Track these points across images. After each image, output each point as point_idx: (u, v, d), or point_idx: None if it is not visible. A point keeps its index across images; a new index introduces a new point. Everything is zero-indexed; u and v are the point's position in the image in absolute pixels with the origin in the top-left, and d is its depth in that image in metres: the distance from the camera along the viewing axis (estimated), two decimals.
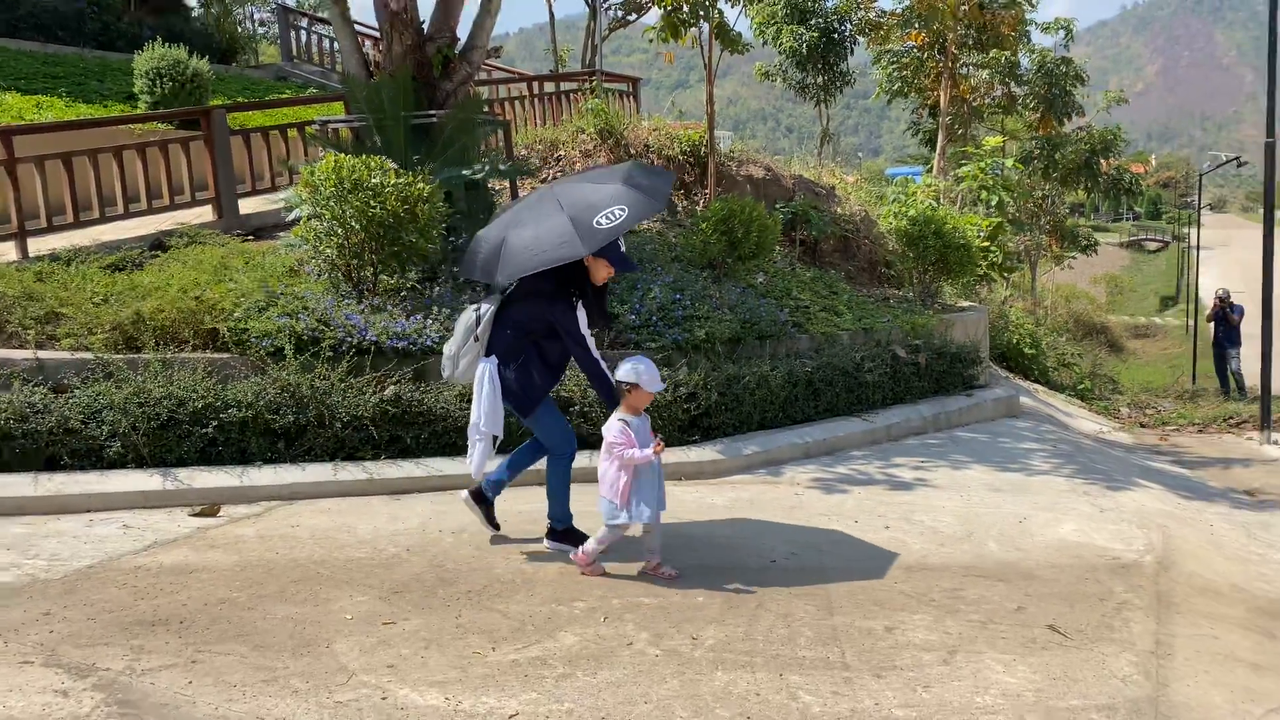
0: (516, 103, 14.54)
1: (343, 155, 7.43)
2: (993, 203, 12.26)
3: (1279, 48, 9.01)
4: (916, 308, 10.38)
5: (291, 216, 8.06)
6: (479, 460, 4.82)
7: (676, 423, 6.80)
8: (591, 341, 4.83)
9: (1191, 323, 45.29)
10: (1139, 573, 4.95)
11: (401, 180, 7.30)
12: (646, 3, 20.53)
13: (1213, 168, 39.00)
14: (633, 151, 12.37)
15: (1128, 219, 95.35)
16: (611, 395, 4.69)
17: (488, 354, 4.77)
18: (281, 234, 9.09)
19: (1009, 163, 12.67)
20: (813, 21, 17.08)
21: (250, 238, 9.58)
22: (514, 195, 9.50)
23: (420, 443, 6.33)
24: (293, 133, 11.29)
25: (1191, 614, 4.50)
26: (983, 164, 12.47)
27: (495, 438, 4.81)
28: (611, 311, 6.94)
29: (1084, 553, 5.23)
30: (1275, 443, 9.36)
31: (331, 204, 7.19)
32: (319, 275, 7.78)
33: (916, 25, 16.53)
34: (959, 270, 11.11)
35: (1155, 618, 4.33)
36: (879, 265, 12.72)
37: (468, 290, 7.72)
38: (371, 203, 7.11)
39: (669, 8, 11.00)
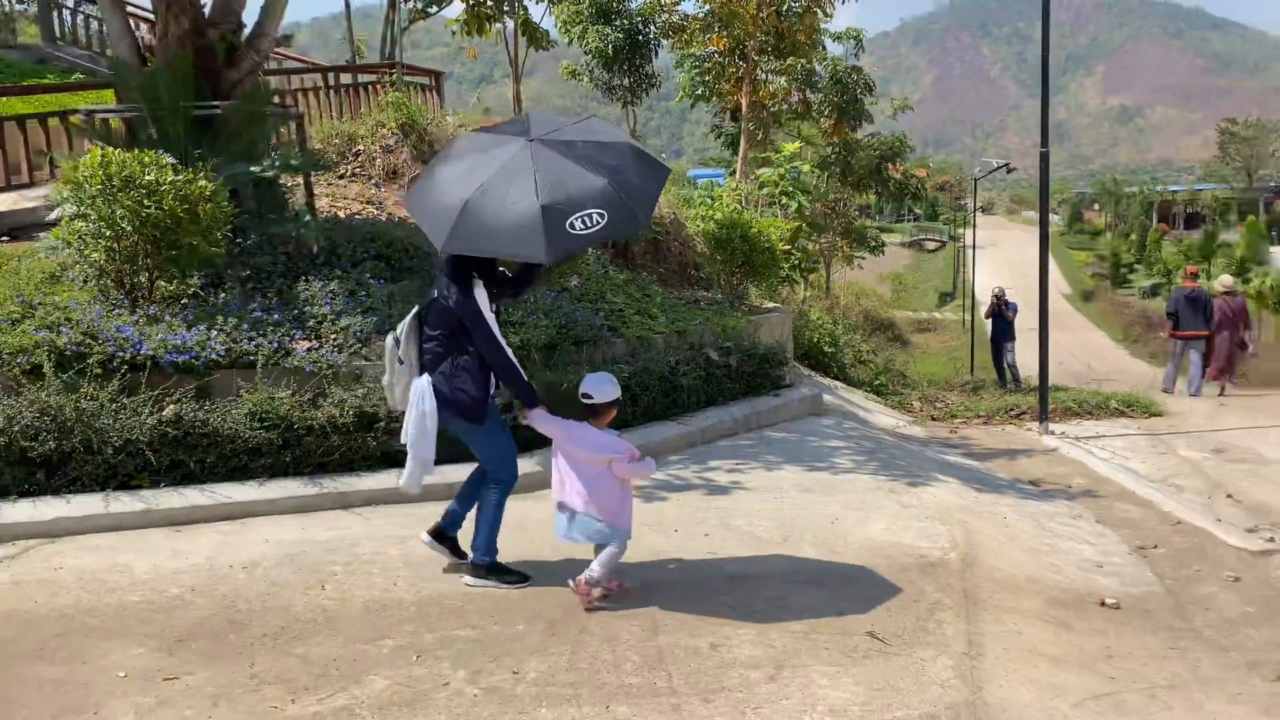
0: (311, 95, 13.76)
1: (111, 149, 6.69)
2: (792, 207, 12.63)
3: (1049, 68, 9.68)
4: (726, 309, 10.52)
5: (53, 216, 7.22)
6: (409, 478, 4.50)
7: None
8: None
9: (968, 317, 48.89)
10: (946, 571, 5.11)
11: (180, 177, 6.66)
12: None
13: (986, 173, 42.22)
14: (436, 148, 11.92)
15: (909, 220, 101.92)
16: (530, 395, 4.41)
17: (420, 372, 4.42)
18: (41, 235, 8.16)
19: (806, 167, 13.12)
20: (618, 22, 17.14)
21: (5, 239, 8.56)
22: (308, 191, 8.89)
23: (206, 467, 5.77)
24: (54, 122, 10.21)
25: (996, 610, 4.68)
26: (782, 169, 12.84)
27: (425, 460, 4.44)
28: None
29: (895, 553, 5.37)
30: (1052, 433, 10.07)
31: (99, 203, 6.47)
32: (85, 282, 7.01)
33: (718, 30, 16.87)
34: (764, 272, 11.36)
35: (965, 617, 4.47)
36: (689, 267, 12.85)
37: (257, 296, 7.14)
38: (145, 202, 6.44)
39: (473, 1, 10.67)
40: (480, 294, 4.33)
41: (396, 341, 4.47)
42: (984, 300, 41.96)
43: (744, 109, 16.22)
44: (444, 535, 4.76)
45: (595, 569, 4.32)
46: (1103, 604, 5.05)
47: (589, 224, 3.93)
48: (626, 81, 17.74)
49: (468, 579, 4.61)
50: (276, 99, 10.11)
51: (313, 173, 9.21)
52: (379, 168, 11.65)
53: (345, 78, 14.93)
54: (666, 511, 5.99)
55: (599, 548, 4.40)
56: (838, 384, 12.79)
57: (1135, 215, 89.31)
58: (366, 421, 6.12)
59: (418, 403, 4.34)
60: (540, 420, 4.42)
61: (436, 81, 16.15)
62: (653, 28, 17.74)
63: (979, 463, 8.98)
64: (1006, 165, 39.98)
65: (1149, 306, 50.83)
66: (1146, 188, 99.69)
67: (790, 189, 12.79)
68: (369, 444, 6.12)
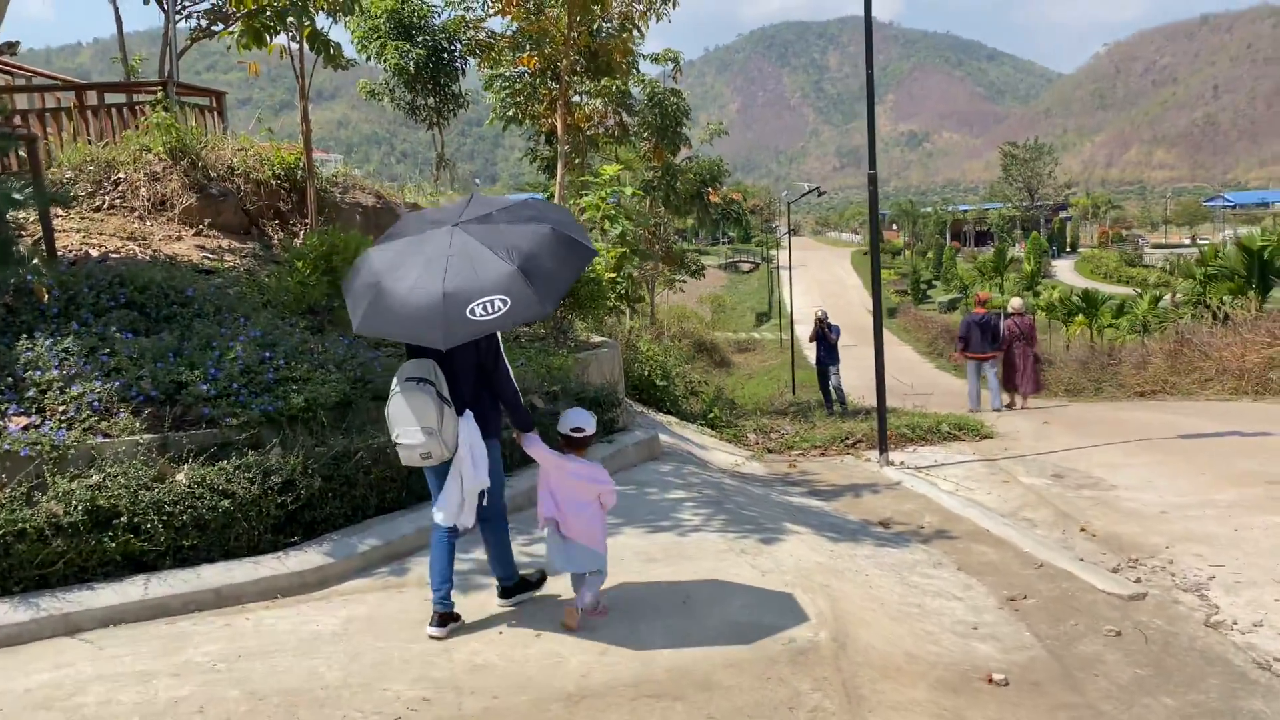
0: (64, 116, 11.95)
1: None
2: (615, 232, 11.93)
3: (874, 94, 9.37)
4: (551, 347, 9.65)
5: None
6: (470, 514, 4.58)
7: (268, 521, 5.36)
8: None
9: (786, 336, 50.08)
10: (819, 659, 4.38)
11: None
12: (234, 13, 18.27)
13: (798, 197, 43.35)
14: (213, 175, 10.50)
15: (724, 243, 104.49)
16: (530, 421, 4.75)
17: (459, 410, 4.48)
18: None
19: (628, 191, 12.48)
20: (419, 39, 16.02)
21: None
22: (46, 228, 7.41)
23: None
24: None
25: (882, 708, 3.97)
26: (603, 193, 12.12)
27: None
28: (184, 381, 5.92)
29: (759, 637, 4.60)
30: (892, 464, 9.70)
31: None
32: None
33: (528, 49, 16.04)
34: (591, 304, 10.58)
35: None
36: None
37: None
38: None
39: (249, 9, 9.38)
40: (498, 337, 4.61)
41: (431, 384, 4.40)
42: (802, 320, 42.90)
43: (559, 131, 15.44)
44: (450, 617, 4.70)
45: (588, 595, 4.68)
46: (990, 680, 4.45)
47: (490, 310, 3.98)
48: (431, 102, 16.62)
49: (502, 602, 4.93)
50: (2, 118, 8.50)
51: (55, 206, 7.73)
52: (143, 198, 10.11)
53: (112, 97, 13.15)
54: (490, 604, 5.02)
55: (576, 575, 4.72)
56: (671, 420, 12.13)
57: (931, 234, 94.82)
58: (102, 518, 4.85)
59: (474, 440, 4.48)
60: (536, 446, 4.68)
61: (218, 102, 14.53)
62: (458, 45, 16.71)
63: (826, 503, 8.44)
64: (816, 189, 41.14)
65: (949, 320, 53.58)
66: (939, 208, 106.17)
67: (613, 213, 12.09)
68: (105, 546, 4.84)
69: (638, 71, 17.77)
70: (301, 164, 10.59)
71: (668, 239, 28.41)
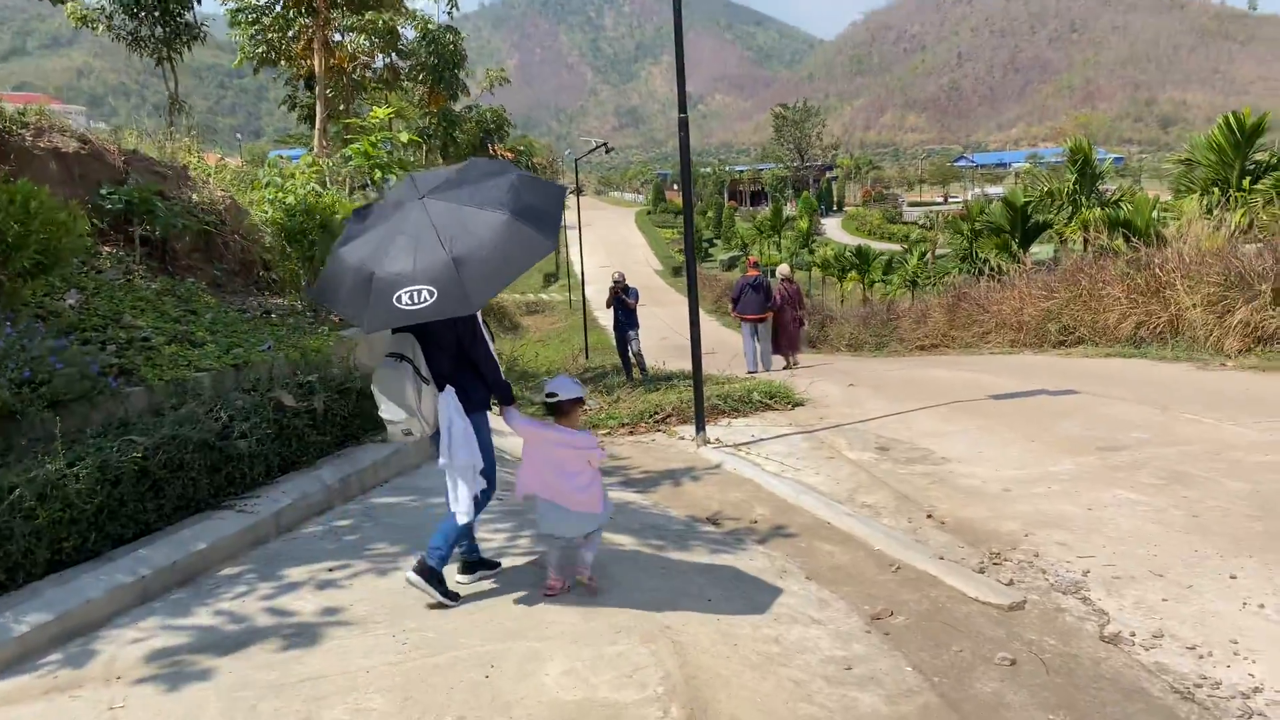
0: None
1: None
2: (389, 185, 10.26)
3: (682, 42, 8.23)
4: (307, 324, 8.00)
5: None
6: (467, 500, 4.41)
7: None
8: None
9: (575, 297, 49.07)
10: None
11: None
12: None
13: (585, 153, 42.12)
14: None
15: None
16: (510, 394, 4.61)
17: (440, 387, 4.32)
18: None
19: (403, 137, 10.80)
20: None
21: None
22: None
23: None
24: None
25: None
26: (373, 139, 10.40)
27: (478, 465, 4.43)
28: None
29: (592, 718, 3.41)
30: (709, 442, 8.76)
31: None
32: None
33: None
34: None
35: None
36: (256, 267, 10.02)
37: None
38: None
39: None
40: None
41: (409, 361, 4.25)
42: (592, 281, 42.01)
43: (318, 71, 13.43)
44: (475, 565, 4.80)
45: (588, 555, 4.62)
46: None
47: (415, 300, 3.82)
48: (159, 32, 14.06)
49: (410, 575, 4.41)
50: None
51: None
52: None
53: None
54: (208, 707, 3.54)
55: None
56: None
57: (710, 194, 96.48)
58: None
59: (454, 417, 4.31)
60: (516, 420, 4.57)
61: None
62: None
63: (642, 496, 7.36)
64: (604, 145, 40.04)
65: (731, 278, 54.41)
66: (718, 168, 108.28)
67: (386, 163, 10.40)
68: None
69: (407, 7, 15.87)
70: None
71: None
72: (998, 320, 18.59)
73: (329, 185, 11.53)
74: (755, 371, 15.63)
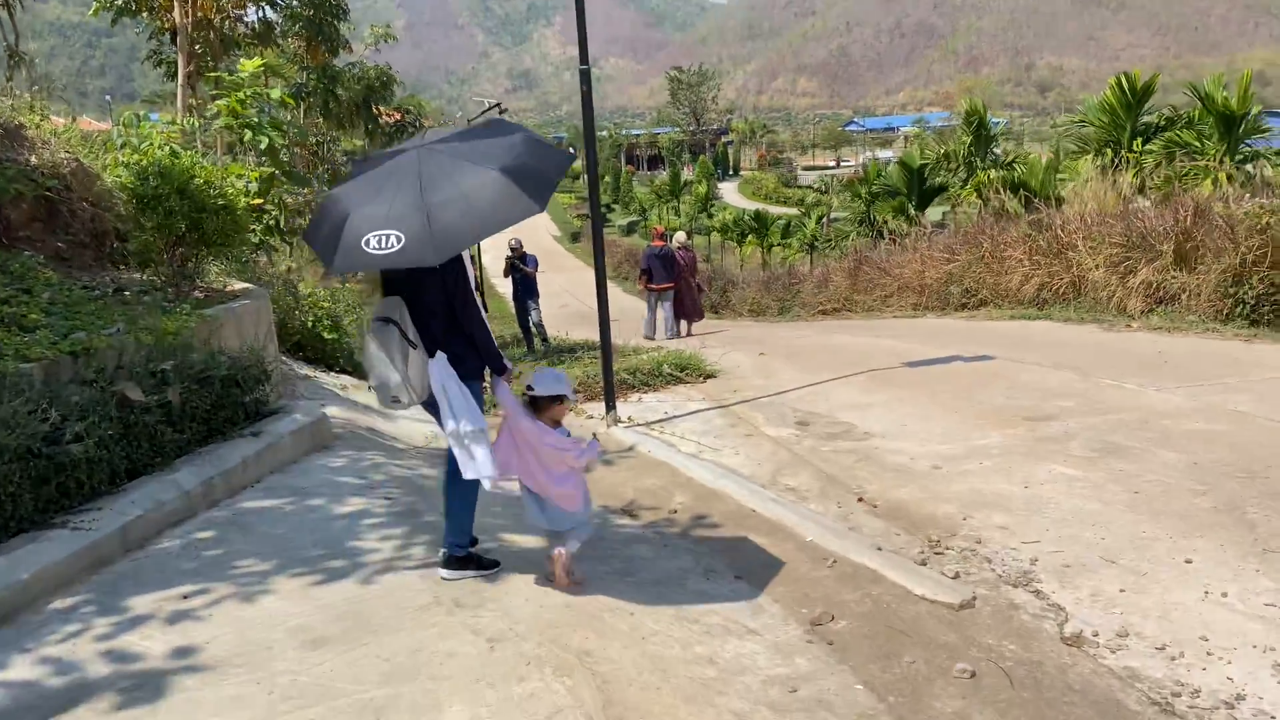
0: None
1: None
2: (261, 145, 9.29)
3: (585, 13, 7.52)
4: (167, 302, 7.09)
5: None
6: (483, 465, 4.12)
7: None
8: None
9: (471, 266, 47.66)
10: None
11: None
12: None
13: (479, 114, 40.70)
14: None
15: None
16: (503, 362, 4.30)
17: (431, 353, 4.09)
18: None
19: (275, 94, 9.81)
20: None
21: None
22: None
23: None
24: None
25: None
26: (242, 95, 9.38)
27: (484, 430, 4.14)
28: None
29: None
30: (620, 422, 8.18)
31: None
32: None
33: None
34: (223, 241, 7.99)
35: None
36: (110, 238, 8.96)
37: None
38: None
39: None
40: (470, 273, 4.24)
41: (396, 325, 4.02)
42: (488, 249, 40.95)
43: (177, 20, 12.21)
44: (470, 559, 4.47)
45: (575, 543, 4.37)
46: None
47: (383, 245, 3.66)
48: None
49: (444, 573, 4.34)
50: None
51: None
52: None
53: None
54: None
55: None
56: (347, 380, 9.86)
57: (607, 158, 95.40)
58: None
59: (446, 381, 4.10)
60: (505, 392, 4.28)
61: None
62: None
63: None
64: (498, 105, 38.76)
65: (630, 243, 53.80)
66: (614, 132, 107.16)
67: (257, 123, 9.41)
68: None
69: None
70: None
71: (335, 160, 25.07)
72: (900, 283, 18.50)
73: (197, 147, 10.45)
74: (651, 337, 15.46)
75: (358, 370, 10.43)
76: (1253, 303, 10.52)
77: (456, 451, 4.18)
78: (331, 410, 7.82)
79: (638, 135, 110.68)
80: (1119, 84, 18.88)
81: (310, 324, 10.18)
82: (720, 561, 5.12)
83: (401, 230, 3.65)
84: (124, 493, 4.90)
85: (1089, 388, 8.06)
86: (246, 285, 8.40)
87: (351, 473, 6.11)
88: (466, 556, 4.45)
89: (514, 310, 16.54)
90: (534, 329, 15.61)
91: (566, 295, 31.28)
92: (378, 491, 5.76)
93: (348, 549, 4.77)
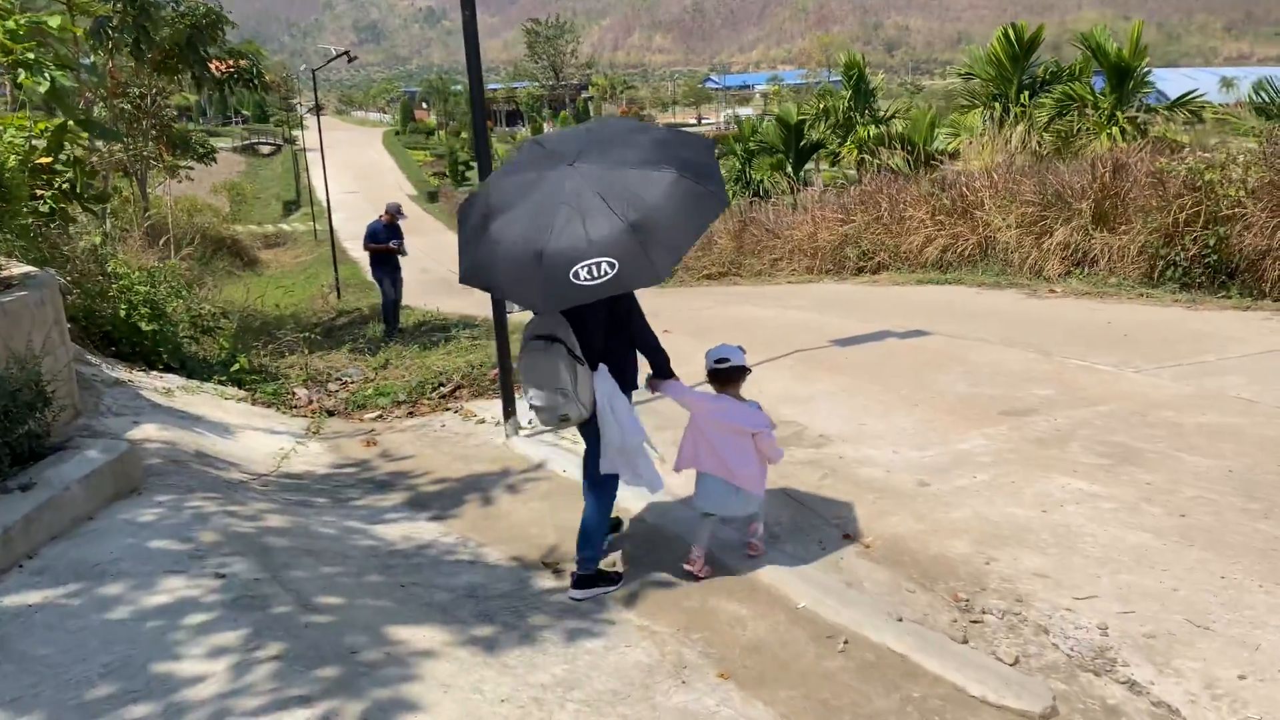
0: None
1: None
2: (42, 88, 7.29)
3: None
4: None
5: None
6: (652, 473, 4.13)
7: None
8: None
9: (320, 227, 44.64)
10: None
11: None
12: None
13: (327, 62, 37.65)
14: None
15: (237, 123, 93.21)
16: (669, 367, 4.19)
17: (592, 366, 4.02)
18: None
19: (53, 22, 7.71)
20: None
21: None
22: None
23: None
24: None
25: None
26: (12, 24, 7.32)
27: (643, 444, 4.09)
28: None
29: None
30: (521, 430, 6.70)
31: None
32: None
33: None
34: None
35: None
36: None
37: None
38: None
39: None
40: None
41: (563, 344, 3.89)
42: (339, 208, 38.05)
43: None
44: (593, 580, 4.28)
45: (760, 527, 4.47)
46: None
47: (595, 274, 3.55)
48: None
49: (574, 593, 4.19)
50: None
51: None
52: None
53: None
54: None
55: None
56: (172, 381, 8.00)
57: (463, 113, 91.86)
58: None
59: (613, 394, 4.01)
60: (682, 392, 4.22)
61: None
62: None
63: (441, 525, 5.26)
64: (347, 54, 35.76)
65: None
66: (468, 87, 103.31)
67: (33, 60, 7.38)
68: None
69: None
70: None
71: (162, 115, 22.24)
72: (791, 245, 17.52)
73: None
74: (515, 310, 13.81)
75: (186, 367, 8.55)
76: (1185, 265, 9.86)
77: (620, 464, 4.07)
78: (148, 429, 6.08)
79: (495, 89, 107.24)
80: (1006, 36, 18.31)
81: (124, 313, 8.24)
82: (692, 647, 3.79)
83: (612, 256, 3.54)
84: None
85: (1058, 370, 7.09)
86: (27, 270, 6.48)
87: (169, 532, 4.46)
88: (596, 574, 4.27)
89: (380, 288, 14.53)
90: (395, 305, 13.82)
91: (428, 259, 29.24)
92: (206, 564, 4.15)
93: (151, 675, 3.20)
